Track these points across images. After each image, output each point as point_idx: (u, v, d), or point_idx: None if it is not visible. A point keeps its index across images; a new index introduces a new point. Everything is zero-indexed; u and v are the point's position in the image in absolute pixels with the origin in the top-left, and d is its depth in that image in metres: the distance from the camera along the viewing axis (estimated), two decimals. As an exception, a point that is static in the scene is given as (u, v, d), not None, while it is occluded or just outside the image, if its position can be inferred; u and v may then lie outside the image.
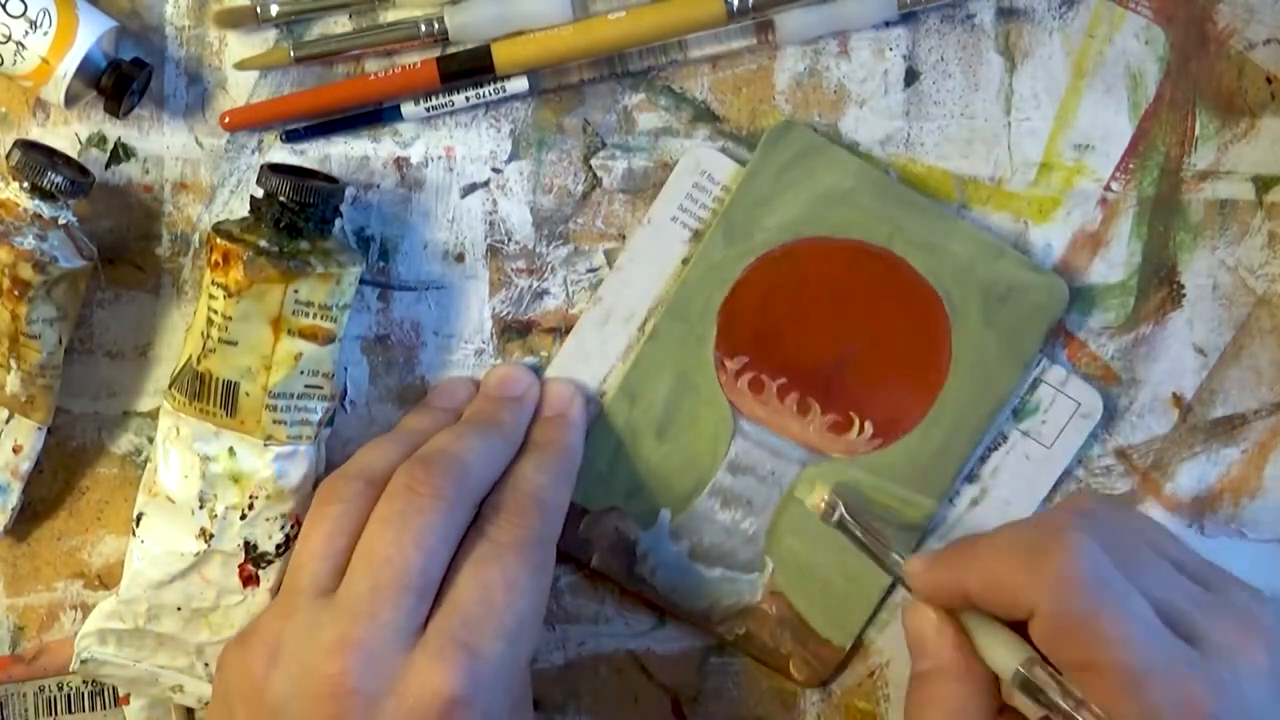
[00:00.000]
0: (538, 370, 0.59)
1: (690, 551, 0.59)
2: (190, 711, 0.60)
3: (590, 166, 0.59)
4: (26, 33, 0.54)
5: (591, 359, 0.59)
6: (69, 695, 0.61)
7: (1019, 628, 0.51)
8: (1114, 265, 0.59)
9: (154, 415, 0.59)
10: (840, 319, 0.58)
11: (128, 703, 0.60)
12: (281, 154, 0.59)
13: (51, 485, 0.60)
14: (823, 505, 0.57)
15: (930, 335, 0.58)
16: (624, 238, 0.59)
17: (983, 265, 0.58)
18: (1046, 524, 0.52)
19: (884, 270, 0.58)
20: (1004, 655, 0.52)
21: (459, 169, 0.59)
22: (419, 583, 0.51)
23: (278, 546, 0.57)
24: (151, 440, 0.59)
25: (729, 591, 0.60)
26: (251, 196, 0.55)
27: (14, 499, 0.58)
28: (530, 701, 0.55)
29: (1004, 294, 0.58)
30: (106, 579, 0.60)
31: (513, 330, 0.60)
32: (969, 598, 0.52)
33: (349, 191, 0.59)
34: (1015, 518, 0.59)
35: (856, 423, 0.59)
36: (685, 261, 0.59)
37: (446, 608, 0.51)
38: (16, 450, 0.57)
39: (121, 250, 0.59)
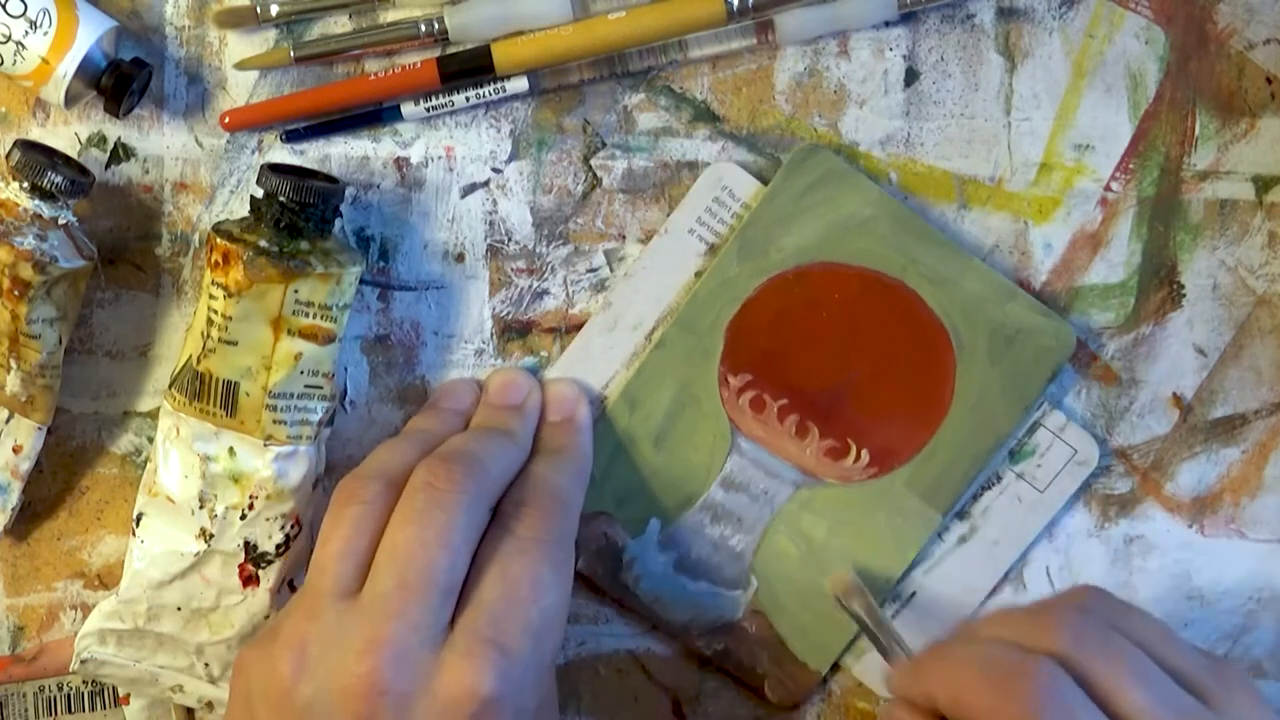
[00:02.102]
0: (535, 372, 0.59)
1: (677, 563, 0.59)
2: (190, 711, 0.60)
3: (590, 166, 0.59)
4: (26, 33, 0.54)
5: (595, 362, 0.59)
6: (69, 695, 0.61)
7: None
8: (1114, 265, 0.59)
9: (154, 415, 0.59)
10: (847, 345, 0.58)
11: (128, 703, 0.60)
12: (281, 154, 0.59)
13: (51, 485, 0.60)
14: (845, 584, 0.57)
15: (935, 369, 0.58)
16: (624, 237, 0.59)
17: (994, 305, 0.58)
18: (1031, 635, 0.50)
19: (895, 301, 0.58)
20: None
21: (459, 169, 0.59)
22: (445, 581, 0.51)
23: (278, 546, 0.57)
24: (151, 440, 0.59)
25: (711, 606, 0.59)
26: (251, 196, 0.55)
27: (14, 499, 0.58)
28: (555, 701, 0.55)
29: (1012, 335, 0.58)
30: (106, 579, 0.60)
31: (513, 330, 0.60)
32: (938, 709, 0.50)
33: (349, 191, 0.59)
34: (1001, 560, 0.59)
35: (854, 450, 0.59)
36: (698, 274, 0.59)
37: (473, 606, 0.51)
38: (16, 450, 0.57)
39: (121, 250, 0.59)
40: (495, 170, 0.59)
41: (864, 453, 0.59)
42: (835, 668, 0.60)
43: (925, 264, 0.58)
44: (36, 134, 0.58)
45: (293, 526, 0.57)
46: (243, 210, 0.58)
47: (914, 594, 0.60)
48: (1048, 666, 0.48)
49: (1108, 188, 0.59)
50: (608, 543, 0.59)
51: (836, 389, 0.58)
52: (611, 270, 0.59)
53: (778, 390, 0.58)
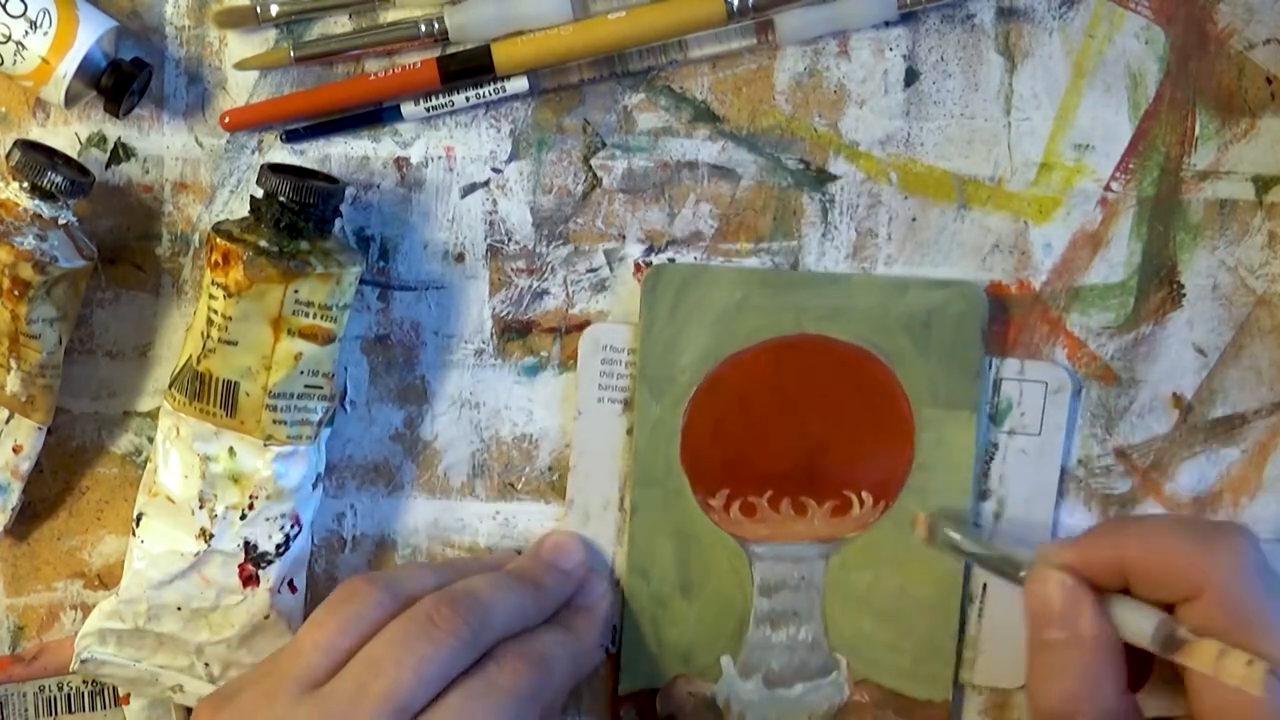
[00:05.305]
0: (590, 548, 0.60)
1: (765, 681, 0.60)
2: (190, 711, 0.60)
3: (590, 166, 0.59)
4: (26, 33, 0.54)
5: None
6: (69, 695, 0.61)
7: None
8: (1114, 265, 0.59)
9: (154, 415, 0.59)
10: (791, 415, 0.59)
11: (128, 703, 0.60)
12: (281, 154, 0.59)
13: (51, 485, 0.60)
14: (923, 530, 0.57)
15: (880, 390, 0.58)
16: (624, 238, 0.59)
17: (893, 305, 0.58)
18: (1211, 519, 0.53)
19: (809, 353, 0.58)
20: (1142, 619, 0.51)
21: (459, 169, 0.59)
22: (404, 702, 0.51)
23: (278, 546, 0.57)
24: (151, 440, 0.59)
25: (818, 701, 0.60)
26: (251, 196, 0.55)
27: (14, 499, 0.58)
28: None
29: (926, 320, 0.58)
30: (106, 579, 0.60)
31: (513, 330, 0.60)
32: (1123, 571, 0.51)
33: (349, 191, 0.59)
34: (1042, 514, 0.59)
35: (854, 498, 0.59)
36: (629, 432, 0.59)
37: None
38: (16, 450, 0.57)
39: (121, 250, 0.59)
40: (495, 170, 0.59)
41: (865, 495, 0.59)
42: (959, 688, 0.60)
43: (813, 307, 0.58)
44: (36, 134, 0.58)
45: (293, 526, 0.57)
46: (243, 210, 0.58)
47: (985, 585, 0.60)
48: (1243, 529, 0.51)
49: (1108, 188, 0.59)
50: (697, 699, 0.60)
51: (805, 455, 0.59)
52: (611, 270, 0.59)
53: (757, 487, 0.59)
